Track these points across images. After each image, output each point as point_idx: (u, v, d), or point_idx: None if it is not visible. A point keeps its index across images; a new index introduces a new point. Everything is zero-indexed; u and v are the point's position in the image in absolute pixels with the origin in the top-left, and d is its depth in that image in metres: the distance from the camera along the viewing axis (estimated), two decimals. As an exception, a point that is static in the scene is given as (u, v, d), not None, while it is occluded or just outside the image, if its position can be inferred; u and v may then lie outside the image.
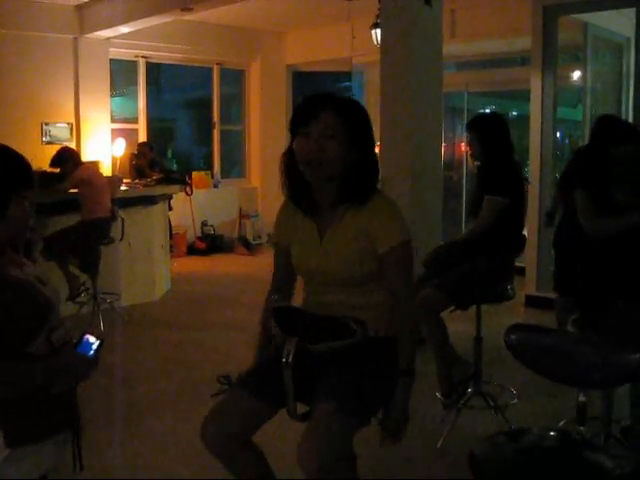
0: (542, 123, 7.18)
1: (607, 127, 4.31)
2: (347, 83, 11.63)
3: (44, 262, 6.25)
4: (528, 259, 7.49)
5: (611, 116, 5.14)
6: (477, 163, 4.36)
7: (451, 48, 9.30)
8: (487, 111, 9.76)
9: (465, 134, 4.52)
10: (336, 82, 12.52)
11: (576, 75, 8.29)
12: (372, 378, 2.40)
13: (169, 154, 12.67)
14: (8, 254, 2.10)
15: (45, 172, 7.17)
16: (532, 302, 7.08)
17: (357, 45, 9.27)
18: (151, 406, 4.63)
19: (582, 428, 2.33)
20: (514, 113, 11.05)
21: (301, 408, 2.49)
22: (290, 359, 2.32)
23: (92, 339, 2.02)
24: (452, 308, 4.19)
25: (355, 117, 2.39)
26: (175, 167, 11.97)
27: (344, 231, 2.43)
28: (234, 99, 12.19)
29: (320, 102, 2.37)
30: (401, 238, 2.40)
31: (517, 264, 8.05)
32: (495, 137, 4.21)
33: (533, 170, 7.30)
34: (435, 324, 3.99)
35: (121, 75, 10.95)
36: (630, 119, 6.90)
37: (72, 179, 6.56)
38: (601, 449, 2.40)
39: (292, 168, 2.43)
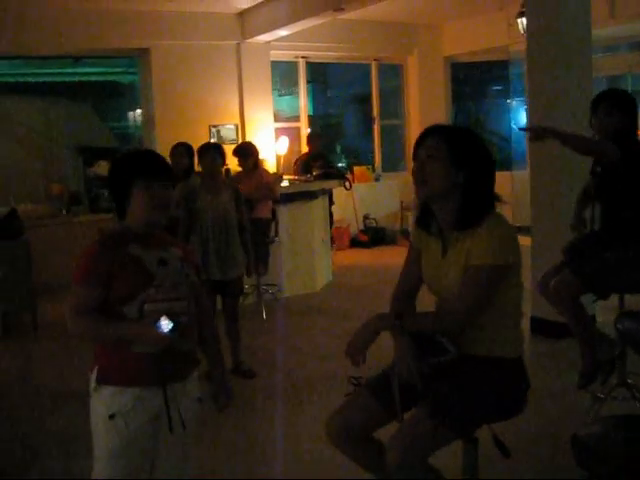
0: None
1: None
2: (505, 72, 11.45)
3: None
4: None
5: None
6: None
7: (610, 30, 9.04)
8: None
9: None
10: (494, 71, 12.37)
11: None
12: (473, 395, 2.47)
13: (337, 149, 12.98)
14: (156, 236, 2.50)
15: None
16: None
17: (513, 33, 9.15)
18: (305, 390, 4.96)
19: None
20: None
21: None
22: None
23: (166, 321, 2.35)
24: (594, 298, 4.11)
25: (461, 141, 2.51)
26: (344, 162, 12.25)
27: (458, 254, 2.50)
28: (395, 93, 12.37)
29: (430, 130, 2.56)
30: (490, 261, 2.41)
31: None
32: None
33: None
34: (571, 308, 3.89)
35: (289, 75, 11.43)
36: None
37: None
38: None
39: None
